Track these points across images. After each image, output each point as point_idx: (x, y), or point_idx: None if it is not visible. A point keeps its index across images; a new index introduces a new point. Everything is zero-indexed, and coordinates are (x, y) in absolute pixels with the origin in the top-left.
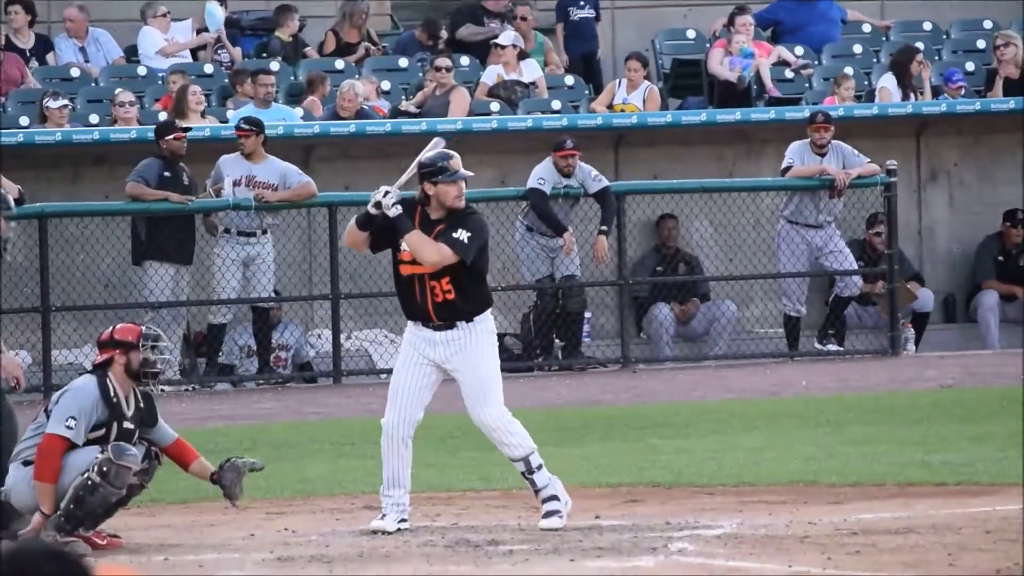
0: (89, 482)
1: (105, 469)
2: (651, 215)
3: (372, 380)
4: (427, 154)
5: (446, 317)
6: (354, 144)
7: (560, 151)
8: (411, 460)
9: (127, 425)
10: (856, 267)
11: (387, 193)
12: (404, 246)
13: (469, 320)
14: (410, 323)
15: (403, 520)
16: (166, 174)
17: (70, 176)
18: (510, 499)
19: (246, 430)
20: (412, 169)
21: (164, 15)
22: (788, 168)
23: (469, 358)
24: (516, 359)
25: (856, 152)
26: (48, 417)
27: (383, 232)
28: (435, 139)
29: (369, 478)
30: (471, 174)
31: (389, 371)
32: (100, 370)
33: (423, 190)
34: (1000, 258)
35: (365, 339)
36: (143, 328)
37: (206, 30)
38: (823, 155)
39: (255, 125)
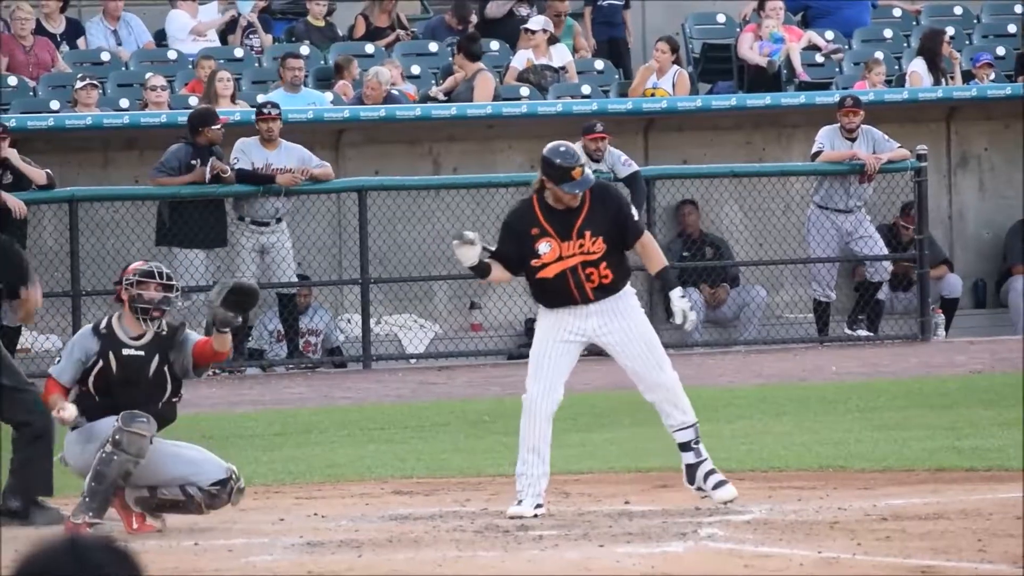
0: (103, 454)
1: (117, 438)
2: (680, 200)
3: (402, 365)
4: (553, 148)
5: (602, 296)
6: (383, 128)
7: (590, 135)
8: (551, 439)
9: (129, 352)
10: (886, 252)
11: (469, 242)
12: (543, 251)
13: (620, 291)
14: (548, 310)
15: (539, 506)
16: (193, 161)
17: (100, 160)
18: None
19: (275, 415)
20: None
21: None
22: (818, 153)
23: (631, 326)
24: None
25: (886, 137)
26: None
27: (512, 257)
28: None
29: (398, 463)
30: (592, 182)
31: (419, 356)
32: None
33: (540, 183)
34: None
35: (395, 324)
36: (137, 265)
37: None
38: (853, 140)
39: (278, 108)
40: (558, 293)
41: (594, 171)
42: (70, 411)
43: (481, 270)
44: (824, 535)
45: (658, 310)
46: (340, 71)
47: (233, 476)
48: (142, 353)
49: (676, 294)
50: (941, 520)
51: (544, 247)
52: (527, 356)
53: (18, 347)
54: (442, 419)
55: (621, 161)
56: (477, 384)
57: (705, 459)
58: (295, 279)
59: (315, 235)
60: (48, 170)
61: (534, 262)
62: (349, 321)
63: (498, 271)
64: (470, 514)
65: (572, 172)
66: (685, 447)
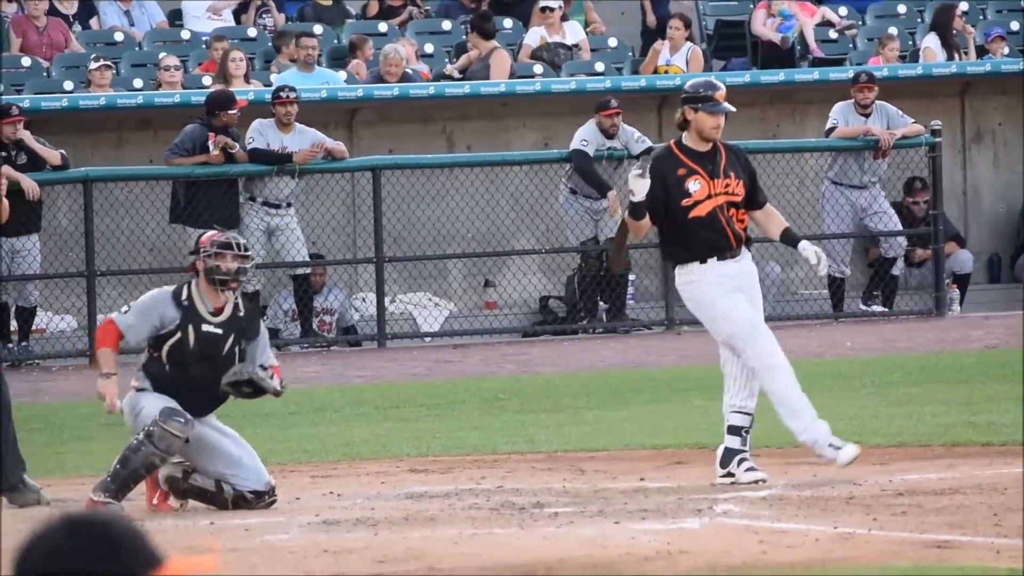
0: (135, 441)
1: (152, 431)
2: None
3: (417, 343)
4: (693, 81)
5: (740, 243)
6: (397, 107)
7: (604, 111)
8: None
9: (208, 329)
10: (900, 228)
11: (639, 176)
12: (693, 188)
13: (749, 246)
14: (703, 266)
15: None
16: (208, 143)
17: (114, 140)
18: (555, 462)
19: (290, 394)
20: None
21: None
22: (832, 129)
23: (759, 293)
24: (560, 322)
25: (900, 113)
26: None
27: (658, 200)
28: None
29: (414, 441)
30: (734, 109)
31: (433, 334)
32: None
33: (683, 115)
34: None
35: (409, 302)
36: (215, 235)
37: None
38: (867, 116)
39: (295, 92)
40: (711, 234)
41: (608, 148)
42: (119, 405)
43: (641, 209)
44: (840, 510)
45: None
46: (354, 50)
47: (270, 491)
48: (220, 331)
49: (805, 244)
50: (957, 495)
51: (694, 185)
52: (541, 334)
53: (33, 328)
54: (457, 397)
55: (635, 138)
56: (492, 362)
57: (747, 450)
58: (308, 259)
59: (329, 214)
60: (62, 151)
61: (684, 202)
62: (364, 300)
63: (647, 217)
64: (485, 491)
65: (715, 95)
66: (735, 431)
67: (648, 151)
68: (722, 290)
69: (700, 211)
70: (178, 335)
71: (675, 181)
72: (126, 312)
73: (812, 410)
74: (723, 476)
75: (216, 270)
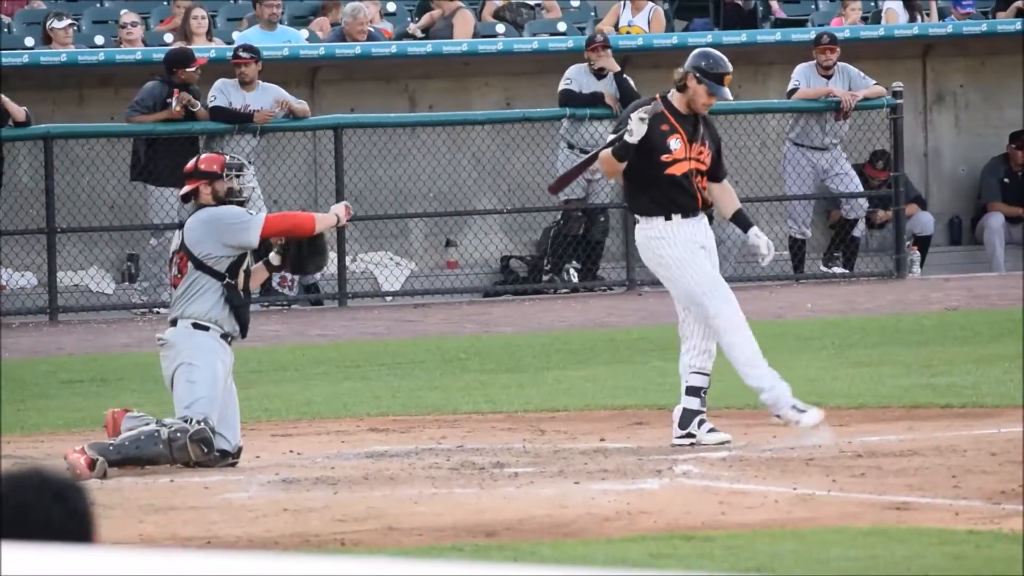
0: (157, 431)
1: (177, 438)
2: None
3: (378, 303)
4: (709, 52)
5: (703, 207)
6: (360, 66)
7: (591, 45)
8: None
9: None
10: (862, 190)
11: (641, 120)
12: (674, 146)
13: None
14: (668, 222)
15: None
16: (169, 100)
17: (76, 98)
18: (516, 422)
19: (251, 352)
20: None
21: None
22: (794, 90)
23: (716, 254)
24: (522, 282)
25: (862, 74)
26: (202, 266)
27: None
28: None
29: (375, 400)
30: (731, 99)
31: (394, 293)
32: (190, 201)
33: (684, 78)
34: (1006, 180)
35: (371, 261)
36: (227, 158)
37: None
38: (829, 77)
39: (253, 52)
40: (682, 193)
41: (592, 93)
42: (170, 336)
43: (629, 149)
44: (799, 472)
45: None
46: (326, 10)
47: (236, 452)
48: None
49: (756, 231)
50: (916, 457)
51: (675, 143)
52: (503, 293)
53: None
54: (418, 357)
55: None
56: (453, 322)
57: (705, 410)
58: None
59: (291, 173)
60: (25, 108)
61: (664, 157)
62: None
63: (624, 162)
64: (446, 451)
65: (725, 77)
66: (694, 392)
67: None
68: (688, 248)
69: (676, 169)
70: (248, 259)
71: (659, 135)
72: (251, 219)
73: (774, 371)
74: (682, 437)
75: (235, 192)
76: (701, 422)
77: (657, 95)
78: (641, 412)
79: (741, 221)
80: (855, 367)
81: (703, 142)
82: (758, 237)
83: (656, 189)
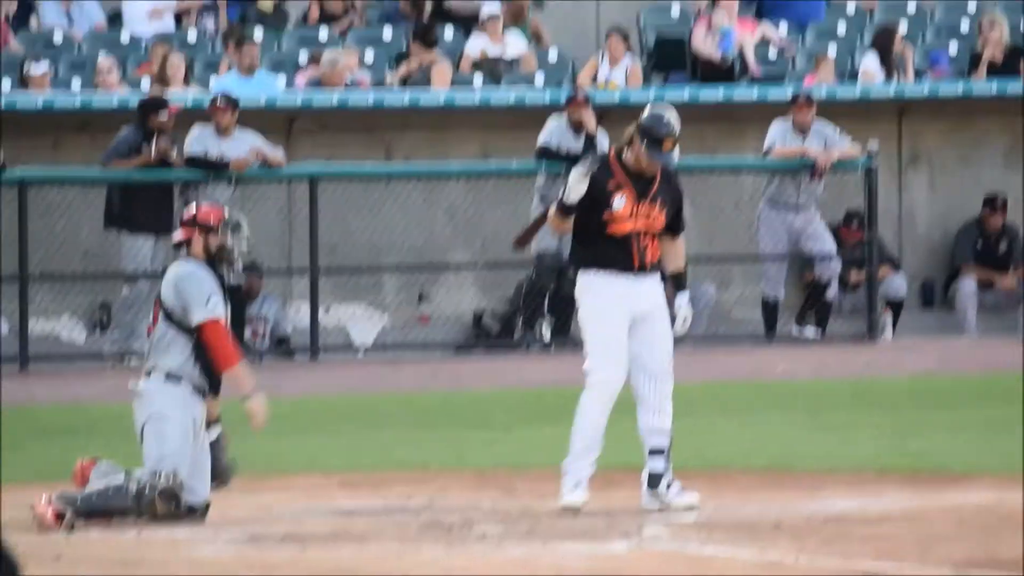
0: (125, 486)
1: (145, 493)
2: None
3: (350, 357)
4: (656, 111)
5: (650, 272)
6: (336, 116)
7: (571, 102)
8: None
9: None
10: (836, 250)
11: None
12: (617, 206)
13: (657, 275)
14: (602, 273)
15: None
16: (143, 147)
17: (51, 142)
18: (485, 479)
19: (222, 405)
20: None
21: None
22: (770, 149)
23: (664, 312)
24: (494, 338)
25: (838, 134)
26: (171, 318)
27: (583, 206)
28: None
29: (344, 455)
30: (674, 162)
31: (366, 348)
32: (182, 248)
33: (630, 136)
34: (979, 244)
35: (343, 313)
36: (225, 212)
37: None
38: (805, 136)
39: (231, 102)
40: (620, 252)
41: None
42: (141, 387)
43: (573, 209)
44: (767, 537)
45: None
46: (315, 61)
47: (205, 508)
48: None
49: (685, 298)
50: (885, 523)
51: (620, 201)
52: (475, 348)
53: None
54: (389, 411)
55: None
56: (424, 376)
57: (670, 468)
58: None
59: (265, 223)
60: (2, 151)
61: (606, 215)
62: (298, 311)
63: (571, 219)
64: (415, 509)
65: (664, 143)
66: (656, 453)
67: (592, 151)
68: (606, 303)
69: (617, 229)
70: (226, 315)
71: (604, 191)
72: (210, 303)
73: (592, 451)
74: (651, 499)
75: (227, 249)
76: (669, 484)
77: (612, 149)
78: (611, 472)
79: (676, 282)
80: (826, 430)
81: (656, 201)
82: (680, 308)
83: (595, 245)
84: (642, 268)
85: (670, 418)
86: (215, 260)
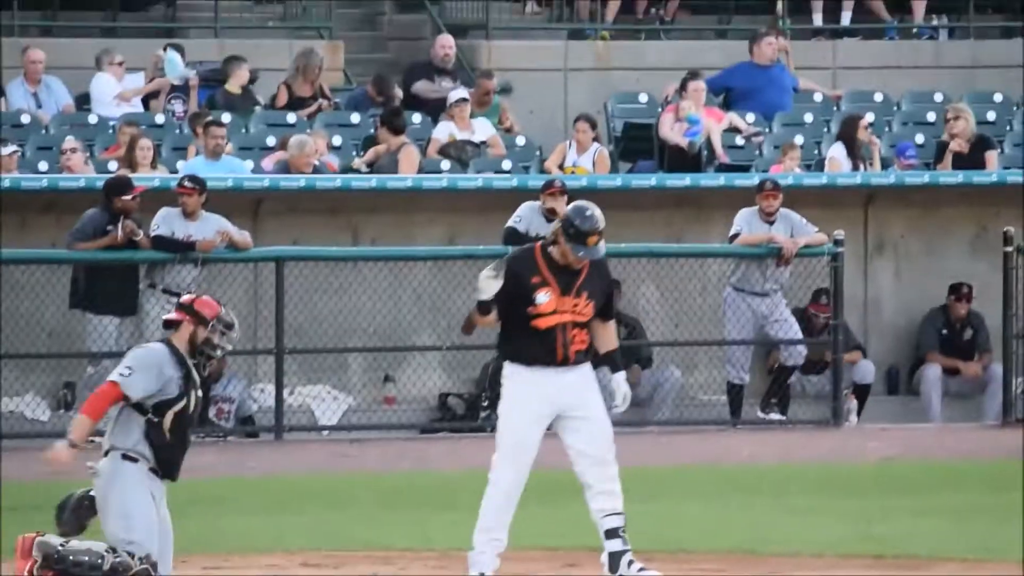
0: (99, 560)
1: (118, 568)
2: None
3: (314, 437)
4: (580, 207)
5: (579, 362)
6: (304, 199)
7: (548, 190)
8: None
9: (199, 394)
10: (801, 336)
11: (492, 276)
12: (540, 300)
13: (588, 362)
14: (527, 369)
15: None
16: (109, 228)
17: (18, 223)
18: (449, 560)
19: (185, 484)
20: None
21: (120, 63)
22: (736, 235)
23: (597, 404)
24: (460, 419)
25: (804, 221)
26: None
27: (505, 300)
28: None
29: (308, 535)
30: (600, 256)
31: (331, 428)
32: (170, 329)
33: (557, 232)
34: (944, 331)
35: (308, 395)
36: (223, 310)
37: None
38: (771, 223)
39: (198, 183)
40: (544, 347)
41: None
42: (96, 469)
43: (488, 306)
44: None
45: None
46: (284, 147)
47: None
48: (201, 395)
49: (622, 377)
50: None
51: (543, 297)
52: (441, 429)
53: None
54: (353, 492)
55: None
56: (389, 457)
57: (629, 548)
58: None
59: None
60: None
61: (530, 310)
62: (263, 391)
63: (493, 313)
64: None
65: (589, 238)
66: (612, 534)
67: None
68: (524, 398)
69: (541, 323)
70: (183, 402)
71: (527, 287)
72: (128, 373)
73: (496, 543)
74: None
75: (212, 345)
76: (630, 562)
77: (538, 245)
78: (574, 554)
79: (611, 363)
80: (791, 514)
81: (582, 294)
82: (619, 386)
83: (520, 339)
84: (565, 361)
85: (620, 498)
86: (195, 351)
